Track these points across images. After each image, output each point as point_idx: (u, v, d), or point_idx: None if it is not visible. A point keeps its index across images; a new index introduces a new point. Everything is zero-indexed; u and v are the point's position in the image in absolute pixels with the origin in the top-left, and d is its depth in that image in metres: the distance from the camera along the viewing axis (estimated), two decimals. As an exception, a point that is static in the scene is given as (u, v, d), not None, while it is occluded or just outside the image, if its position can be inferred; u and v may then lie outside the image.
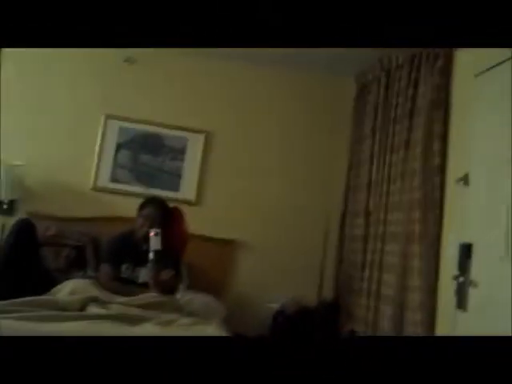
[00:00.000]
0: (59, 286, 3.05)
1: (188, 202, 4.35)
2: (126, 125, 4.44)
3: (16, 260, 3.03)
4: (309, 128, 4.59)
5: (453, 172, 3.05)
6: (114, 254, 3.39)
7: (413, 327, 3.06)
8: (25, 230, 3.17)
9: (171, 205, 3.59)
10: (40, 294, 2.92)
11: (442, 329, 2.94)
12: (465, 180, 2.87)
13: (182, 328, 2.87)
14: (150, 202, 3.50)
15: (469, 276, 2.71)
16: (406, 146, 3.44)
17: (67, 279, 3.22)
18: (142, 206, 3.48)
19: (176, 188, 4.46)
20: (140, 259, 3.29)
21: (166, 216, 3.45)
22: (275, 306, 4.14)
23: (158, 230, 3.21)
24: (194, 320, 3.04)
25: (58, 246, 3.96)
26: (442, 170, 3.13)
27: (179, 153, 4.49)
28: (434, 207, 3.10)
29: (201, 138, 4.50)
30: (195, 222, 3.88)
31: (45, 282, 3.10)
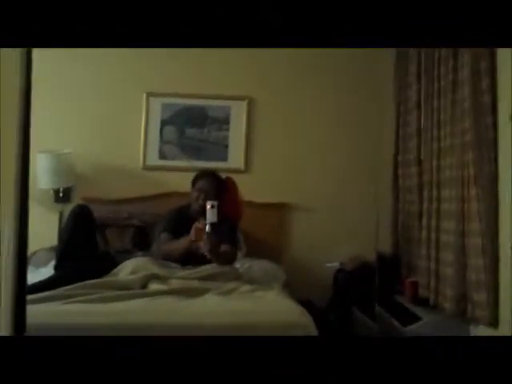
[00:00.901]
0: (120, 267, 3.12)
1: (237, 171, 4.35)
2: (168, 100, 4.45)
3: (76, 245, 3.11)
4: (352, 86, 4.48)
5: (504, 109, 2.92)
6: (173, 225, 3.46)
7: (476, 273, 2.99)
8: (81, 215, 3.24)
9: (222, 175, 3.60)
10: (102, 276, 3.00)
11: (506, 271, 2.86)
12: (517, 116, 2.75)
13: (242, 295, 2.90)
14: (202, 174, 3.55)
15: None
16: (454, 87, 3.31)
17: (128, 259, 3.30)
18: (195, 180, 3.53)
19: (224, 158, 4.46)
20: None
21: (220, 187, 3.49)
22: (335, 264, 4.13)
23: (215, 203, 3.23)
24: (254, 287, 3.07)
25: (120, 226, 4.05)
26: (493, 108, 3.00)
27: (223, 122, 4.48)
28: (487, 147, 2.99)
29: (243, 104, 4.47)
30: (246, 190, 3.89)
31: (106, 263, 3.18)
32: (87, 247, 3.18)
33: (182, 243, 3.32)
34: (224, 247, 3.37)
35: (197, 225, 3.22)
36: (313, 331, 2.44)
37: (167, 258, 3.31)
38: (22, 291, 1.24)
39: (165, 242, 3.41)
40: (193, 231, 3.22)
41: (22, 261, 1.29)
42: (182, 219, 3.48)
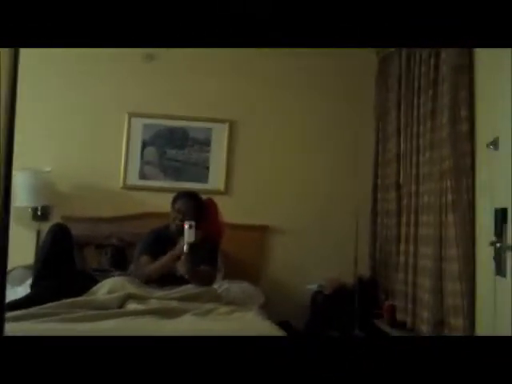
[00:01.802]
0: (97, 286, 3.10)
1: (218, 192, 4.35)
2: (150, 121, 4.46)
3: (53, 264, 3.09)
4: (332, 110, 4.53)
5: (482, 137, 2.98)
6: (151, 247, 3.44)
7: (453, 298, 3.02)
8: (59, 234, 3.22)
9: (203, 197, 3.60)
10: (79, 295, 2.97)
11: (482, 297, 2.89)
12: (495, 144, 2.80)
13: (220, 317, 2.90)
14: (181, 195, 3.54)
15: (506, 241, 2.66)
16: (433, 115, 3.37)
17: (105, 278, 3.27)
18: (174, 200, 3.53)
19: (204, 179, 4.47)
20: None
21: (199, 208, 3.48)
22: (313, 287, 4.14)
23: (192, 223, 3.23)
24: (232, 308, 3.07)
25: (99, 245, 4.02)
26: (471, 136, 3.06)
27: (205, 144, 4.50)
28: (465, 175, 3.04)
29: (225, 127, 4.49)
30: (226, 211, 3.88)
31: (83, 283, 3.16)
32: (65, 266, 3.16)
33: (163, 262, 3.31)
34: (203, 268, 3.37)
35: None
36: (291, 354, 2.43)
37: (149, 279, 3.29)
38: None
39: (145, 265, 3.39)
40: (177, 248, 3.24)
41: (1, 277, 1.27)
42: (160, 240, 3.47)
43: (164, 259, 3.32)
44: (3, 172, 1.22)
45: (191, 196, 3.54)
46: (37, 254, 3.77)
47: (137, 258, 3.51)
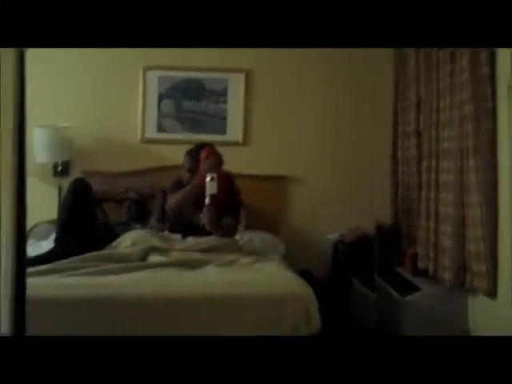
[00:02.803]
0: (119, 239, 3.14)
1: (236, 144, 4.34)
2: (165, 73, 4.41)
3: (75, 218, 3.12)
4: (352, 58, 4.39)
5: (503, 80, 2.90)
6: (177, 188, 3.44)
7: (475, 244, 3.01)
8: (80, 188, 3.24)
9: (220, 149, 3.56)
10: (102, 248, 3.02)
11: (506, 242, 2.87)
12: (517, 86, 2.73)
13: (242, 267, 2.92)
14: (201, 147, 3.51)
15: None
16: (452, 58, 3.28)
17: (127, 232, 3.31)
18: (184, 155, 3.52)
19: (222, 131, 4.44)
20: (199, 203, 3.33)
21: (212, 161, 3.45)
22: (333, 236, 4.14)
23: (214, 175, 3.23)
24: (254, 258, 3.09)
25: (118, 200, 4.05)
26: (492, 79, 2.98)
27: (221, 95, 4.45)
28: (486, 118, 2.98)
29: (241, 77, 4.43)
30: (245, 162, 3.89)
31: (106, 236, 3.20)
32: (87, 220, 3.20)
33: (187, 189, 3.33)
34: (225, 219, 3.38)
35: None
36: (313, 303, 2.46)
37: (178, 209, 3.35)
38: (21, 280, 1.24)
39: (172, 198, 3.42)
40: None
41: (21, 237, 1.29)
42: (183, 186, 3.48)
43: (187, 188, 3.33)
44: (17, 130, 1.22)
45: (194, 153, 3.49)
46: (59, 209, 3.81)
47: (156, 206, 3.54)
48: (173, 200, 3.36)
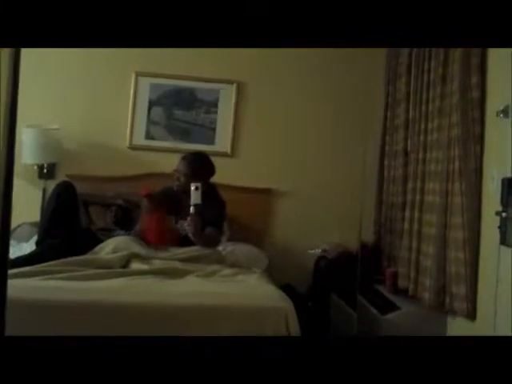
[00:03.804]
0: (102, 245, 3.12)
1: (223, 155, 4.34)
2: (157, 81, 4.42)
3: (58, 222, 3.11)
4: (343, 74, 4.45)
5: (492, 105, 2.94)
6: (159, 203, 3.44)
7: (456, 266, 3.03)
8: (64, 192, 3.23)
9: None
10: (83, 253, 3.00)
11: (486, 265, 2.89)
12: (505, 112, 2.76)
13: (224, 279, 2.92)
14: (186, 156, 3.52)
15: (512, 211, 2.65)
16: (443, 81, 3.32)
17: (112, 237, 3.29)
18: (180, 160, 3.50)
19: (211, 141, 4.44)
20: (183, 212, 3.33)
21: (202, 169, 3.46)
22: (316, 251, 4.15)
23: (198, 185, 3.22)
24: (236, 270, 3.09)
25: (104, 205, 4.02)
26: (481, 103, 3.02)
27: (212, 105, 4.46)
28: (473, 143, 3.01)
29: (233, 88, 4.45)
30: (232, 174, 3.88)
31: (88, 241, 3.18)
32: (70, 224, 3.18)
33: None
34: (208, 230, 3.37)
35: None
36: (293, 316, 2.46)
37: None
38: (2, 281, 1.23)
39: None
40: None
41: (4, 238, 1.28)
42: (167, 199, 3.48)
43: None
44: (7, 130, 1.21)
45: (190, 157, 3.49)
46: (42, 211, 3.79)
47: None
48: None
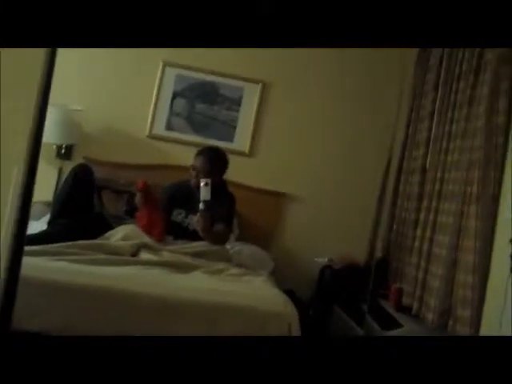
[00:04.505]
0: (112, 231, 3.13)
1: (241, 153, 4.35)
2: (183, 72, 4.42)
3: (72, 204, 3.11)
4: (367, 81, 4.45)
5: (517, 131, 2.92)
6: (166, 198, 3.45)
7: (463, 289, 3.00)
8: (82, 174, 3.23)
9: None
10: (94, 237, 3.00)
11: (494, 292, 2.87)
12: (529, 140, 2.75)
13: (230, 278, 2.92)
14: (200, 152, 3.51)
15: (526, 240, 2.63)
16: (470, 103, 3.30)
17: (122, 225, 3.29)
18: (195, 156, 3.50)
19: (230, 138, 4.44)
20: (194, 207, 3.34)
21: (217, 164, 3.45)
22: (323, 260, 4.14)
23: (208, 181, 3.22)
24: (242, 271, 3.10)
25: (117, 191, 4.03)
26: (506, 129, 2.99)
27: (235, 103, 4.46)
28: (494, 168, 2.99)
29: (257, 88, 4.45)
30: (247, 173, 3.88)
31: (99, 226, 3.18)
32: (83, 207, 3.19)
33: None
34: (218, 226, 3.37)
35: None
36: (296, 323, 2.46)
37: None
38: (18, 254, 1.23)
39: None
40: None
41: (24, 214, 1.28)
42: (178, 193, 3.49)
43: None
44: (38, 110, 1.22)
45: (208, 153, 3.49)
46: (58, 192, 3.80)
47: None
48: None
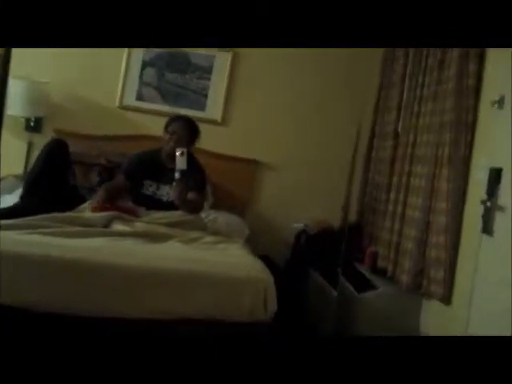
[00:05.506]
0: (85, 204, 3.09)
1: (213, 122, 4.31)
2: (152, 41, 4.34)
3: (45, 178, 3.07)
4: (339, 50, 4.40)
5: (487, 94, 2.93)
6: (135, 169, 3.41)
7: (436, 250, 3.05)
8: (57, 150, 3.18)
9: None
10: (68, 210, 2.97)
11: (466, 252, 2.93)
12: (499, 103, 2.77)
13: (205, 246, 2.91)
14: (177, 118, 3.48)
15: (496, 201, 2.67)
16: (440, 66, 3.31)
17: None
18: (168, 123, 3.45)
19: (202, 107, 4.40)
20: (165, 177, 3.31)
21: (192, 134, 3.42)
22: (298, 226, 4.16)
23: (184, 150, 3.19)
24: (218, 238, 3.09)
25: (88, 164, 3.98)
26: (477, 91, 3.01)
27: (206, 71, 4.40)
28: (465, 130, 3.01)
29: (228, 56, 4.39)
30: (220, 142, 3.85)
31: (73, 199, 3.15)
32: (57, 182, 3.14)
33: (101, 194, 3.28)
34: (191, 195, 3.34)
35: (93, 204, 3.13)
36: (272, 289, 2.47)
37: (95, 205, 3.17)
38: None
39: (116, 185, 3.41)
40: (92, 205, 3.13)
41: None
42: (148, 163, 3.43)
43: (101, 192, 3.29)
44: None
45: (186, 120, 3.46)
46: (32, 165, 3.73)
47: (116, 174, 3.50)
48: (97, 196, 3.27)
